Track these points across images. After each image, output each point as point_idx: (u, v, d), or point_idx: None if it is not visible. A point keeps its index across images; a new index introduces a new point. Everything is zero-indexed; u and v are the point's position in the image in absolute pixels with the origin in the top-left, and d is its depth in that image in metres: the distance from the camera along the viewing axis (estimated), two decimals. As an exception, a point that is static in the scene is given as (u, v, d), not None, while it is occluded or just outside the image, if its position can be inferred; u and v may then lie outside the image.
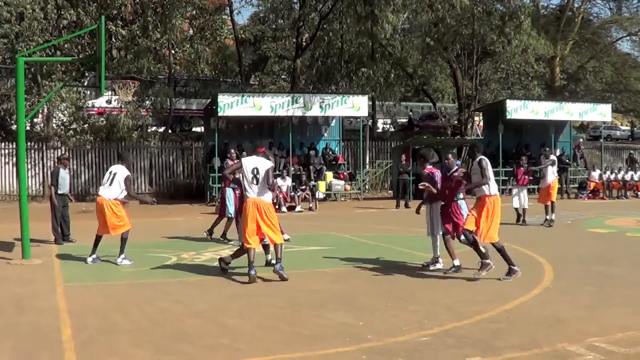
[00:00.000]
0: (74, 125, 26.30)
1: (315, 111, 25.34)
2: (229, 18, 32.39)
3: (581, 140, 32.67)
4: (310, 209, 21.55)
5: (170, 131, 30.84)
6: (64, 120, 26.64)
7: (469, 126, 33.22)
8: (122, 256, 10.24)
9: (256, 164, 8.83)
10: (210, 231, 13.42)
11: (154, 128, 30.70)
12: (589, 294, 8.04)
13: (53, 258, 11.14)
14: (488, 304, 7.45)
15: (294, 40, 33.62)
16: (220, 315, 7.05)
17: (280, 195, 20.97)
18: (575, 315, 6.94)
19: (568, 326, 6.52)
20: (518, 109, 27.24)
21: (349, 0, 28.67)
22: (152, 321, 6.84)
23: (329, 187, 25.35)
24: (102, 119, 28.22)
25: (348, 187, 25.84)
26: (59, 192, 13.13)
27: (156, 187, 27.01)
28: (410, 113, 41.83)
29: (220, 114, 23.92)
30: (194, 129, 33.27)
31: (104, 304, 7.59)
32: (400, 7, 25.95)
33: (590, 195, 25.51)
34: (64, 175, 13.31)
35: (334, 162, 26.90)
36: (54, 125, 26.39)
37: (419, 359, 5.58)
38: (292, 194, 21.90)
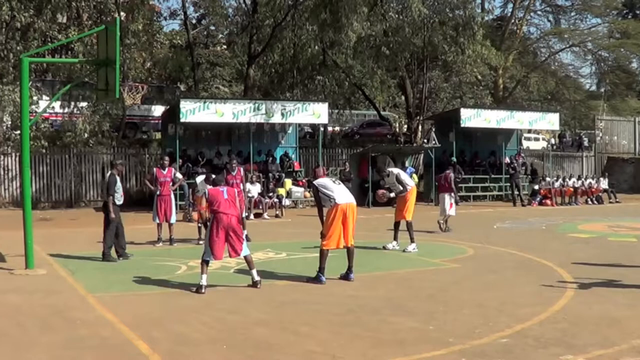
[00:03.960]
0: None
1: (276, 118, 25.24)
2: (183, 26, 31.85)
3: (521, 148, 33.91)
4: (276, 216, 21.42)
5: (123, 138, 29.92)
6: (9, 124, 25.40)
7: (419, 134, 33.80)
8: None
9: None
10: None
11: (114, 134, 29.72)
12: (621, 294, 8.34)
13: (55, 268, 10.68)
14: (534, 306, 7.60)
15: (247, 48, 33.30)
16: (285, 323, 6.91)
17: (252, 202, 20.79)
18: (623, 315, 7.18)
19: (625, 324, 6.75)
20: (472, 117, 27.93)
21: (311, 8, 28.61)
22: (220, 331, 6.63)
23: (288, 194, 25.24)
24: (48, 124, 27.07)
25: (308, 194, 25.76)
26: (117, 202, 11.49)
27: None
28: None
29: (182, 119, 23.46)
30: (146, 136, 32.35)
31: (154, 315, 7.32)
32: (366, 16, 26.17)
33: (540, 201, 26.25)
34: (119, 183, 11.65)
35: (290, 169, 26.87)
36: (4, 128, 25.15)
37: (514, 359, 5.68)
38: (260, 199, 21.66)
